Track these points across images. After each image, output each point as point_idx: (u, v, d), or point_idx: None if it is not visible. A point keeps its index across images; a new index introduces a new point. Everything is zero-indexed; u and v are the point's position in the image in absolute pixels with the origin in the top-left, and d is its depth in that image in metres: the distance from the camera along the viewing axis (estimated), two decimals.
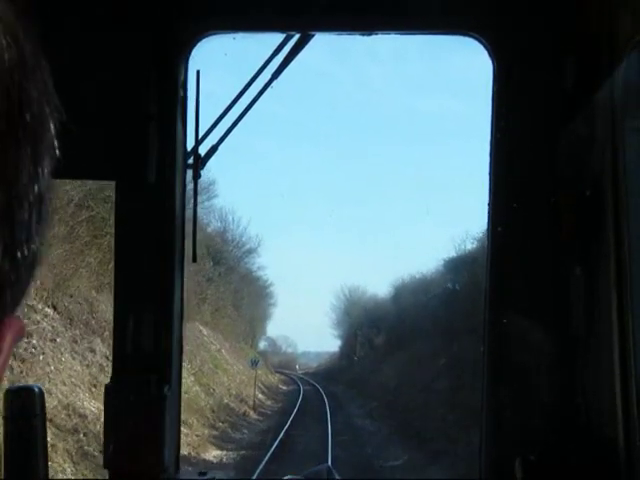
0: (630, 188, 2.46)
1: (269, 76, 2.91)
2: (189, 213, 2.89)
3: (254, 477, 18.91)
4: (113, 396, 2.71)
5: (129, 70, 2.66)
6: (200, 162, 2.88)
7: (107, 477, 2.69)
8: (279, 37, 2.84)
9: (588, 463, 2.55)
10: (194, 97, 2.79)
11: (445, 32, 2.85)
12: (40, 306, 19.12)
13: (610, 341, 2.48)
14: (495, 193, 2.72)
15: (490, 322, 2.70)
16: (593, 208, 2.56)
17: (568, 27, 2.62)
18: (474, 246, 33.37)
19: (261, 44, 2.98)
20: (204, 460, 20.95)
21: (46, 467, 2.35)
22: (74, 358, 19.63)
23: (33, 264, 0.70)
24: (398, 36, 2.90)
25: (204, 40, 2.81)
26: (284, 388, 51.88)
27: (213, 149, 2.94)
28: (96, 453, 15.59)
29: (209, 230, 41.95)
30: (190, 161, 2.87)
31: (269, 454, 22.08)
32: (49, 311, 19.66)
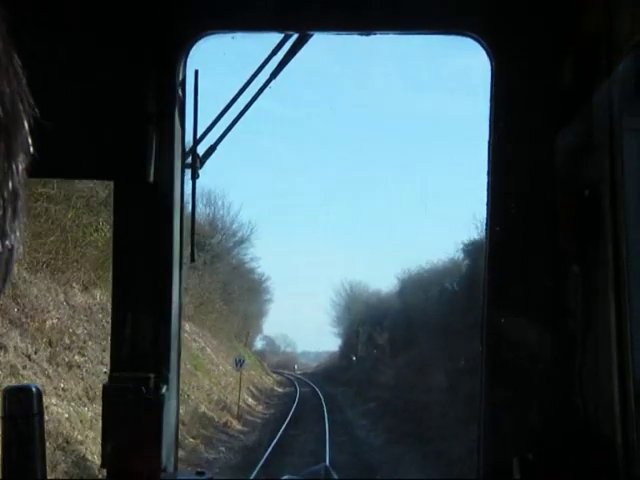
0: (628, 189, 2.46)
1: (268, 75, 2.91)
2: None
3: (252, 477, 18.73)
4: (111, 396, 2.70)
5: (127, 69, 2.66)
6: (199, 161, 2.88)
7: (105, 477, 2.69)
8: (278, 36, 2.84)
9: (586, 463, 2.55)
10: (192, 96, 2.79)
11: (443, 32, 2.85)
12: None
13: (608, 341, 2.48)
14: (493, 193, 2.72)
15: (488, 322, 2.71)
16: (591, 208, 2.56)
17: (566, 28, 2.62)
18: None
19: (260, 43, 2.98)
20: None
21: (44, 467, 2.35)
22: None
23: (9, 260, 0.70)
24: (399, 36, 2.91)
25: (203, 39, 2.80)
26: (279, 390, 48.61)
27: (212, 148, 2.94)
28: None
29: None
30: (188, 160, 2.87)
31: None
32: None
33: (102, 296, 22.28)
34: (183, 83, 2.80)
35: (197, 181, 2.87)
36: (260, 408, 36.40)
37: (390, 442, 25.82)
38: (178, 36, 2.75)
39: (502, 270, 2.73)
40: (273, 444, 24.32)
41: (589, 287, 2.58)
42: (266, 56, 2.87)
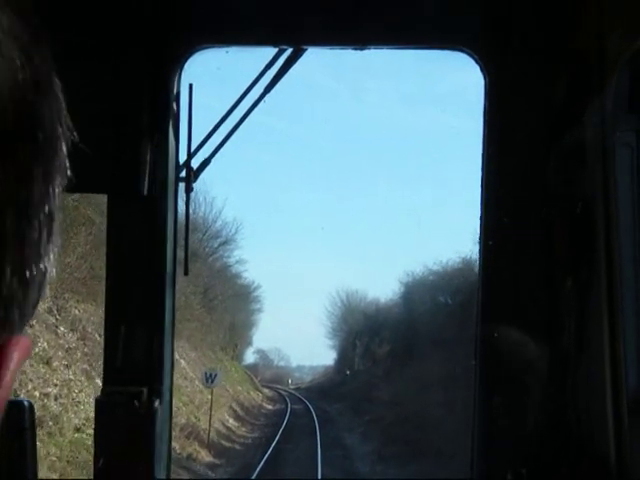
0: (621, 203, 2.47)
1: (262, 89, 2.91)
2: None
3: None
4: (103, 409, 2.69)
5: (122, 83, 2.66)
6: (192, 175, 2.88)
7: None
8: (272, 51, 2.84)
9: (579, 477, 2.55)
10: (187, 110, 2.79)
11: (437, 48, 2.86)
12: None
13: (601, 356, 2.48)
14: (487, 207, 2.73)
15: (482, 336, 2.71)
16: (584, 222, 2.57)
17: (559, 44, 2.63)
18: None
19: (254, 58, 2.98)
20: None
21: None
22: None
23: (42, 283, 0.70)
24: (394, 51, 2.93)
25: (197, 54, 2.81)
26: (269, 407, 42.97)
27: (205, 162, 2.94)
28: None
29: None
30: (182, 174, 2.87)
31: None
32: None
33: None
34: (177, 97, 2.81)
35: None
36: (242, 431, 30.80)
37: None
38: (172, 50, 2.76)
39: (495, 285, 2.73)
40: None
41: (582, 302, 2.58)
42: (260, 70, 2.88)
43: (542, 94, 2.68)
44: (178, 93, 2.81)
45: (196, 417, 26.01)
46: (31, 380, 17.31)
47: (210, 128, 2.93)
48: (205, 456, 23.27)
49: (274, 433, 29.73)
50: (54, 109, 0.70)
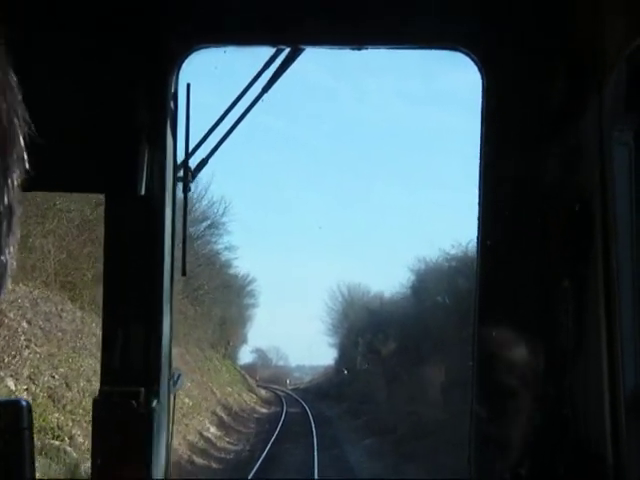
0: (619, 201, 2.47)
1: (260, 89, 2.91)
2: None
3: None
4: (101, 410, 2.69)
5: (120, 83, 2.66)
6: (190, 175, 2.88)
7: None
8: (270, 50, 2.84)
9: (577, 477, 2.55)
10: (184, 110, 2.79)
11: (434, 47, 2.86)
12: None
13: (599, 356, 2.48)
14: (484, 206, 2.73)
15: (479, 336, 2.71)
16: (582, 222, 2.57)
17: (557, 42, 2.64)
18: None
19: (252, 57, 2.98)
20: None
21: None
22: None
23: (2, 275, 0.70)
24: (394, 50, 2.93)
25: (195, 53, 2.81)
26: (262, 411, 38.04)
27: (203, 162, 2.94)
28: None
29: None
30: (180, 174, 2.87)
31: None
32: None
33: None
34: (175, 97, 2.80)
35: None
36: (224, 442, 25.47)
37: None
38: (170, 50, 2.76)
39: (493, 284, 2.73)
40: None
41: (580, 301, 2.58)
42: (258, 70, 2.88)
43: (540, 93, 2.68)
44: (176, 93, 2.81)
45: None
46: None
47: (208, 128, 2.93)
48: None
49: (266, 441, 25.09)
50: (9, 101, 0.70)
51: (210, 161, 2.97)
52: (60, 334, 20.25)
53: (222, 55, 2.90)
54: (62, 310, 21.49)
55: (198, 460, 21.25)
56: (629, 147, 2.49)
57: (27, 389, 16.93)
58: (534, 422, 2.63)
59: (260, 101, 2.92)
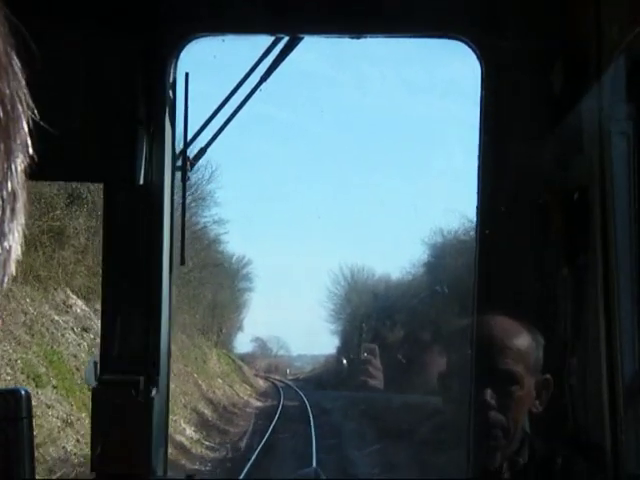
0: (617, 191, 2.47)
1: (259, 78, 2.91)
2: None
3: (240, 478, 17.88)
4: (100, 399, 2.70)
5: (118, 72, 2.66)
6: (189, 164, 2.88)
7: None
8: (268, 39, 2.84)
9: (575, 466, 2.56)
10: (183, 99, 2.79)
11: (433, 36, 2.86)
12: None
13: (597, 345, 2.49)
14: (483, 196, 2.73)
15: (478, 325, 2.71)
16: (580, 211, 2.57)
17: (556, 31, 2.63)
18: None
19: (250, 46, 2.97)
20: None
21: (33, 471, 2.34)
22: None
23: (6, 261, 0.70)
24: (396, 39, 2.93)
25: (193, 42, 2.80)
26: (256, 405, 31.93)
27: (202, 151, 2.94)
28: None
29: None
30: (179, 163, 2.86)
31: None
32: None
33: None
34: (173, 86, 2.80)
35: None
36: (201, 448, 19.97)
37: None
38: (168, 39, 2.75)
39: (491, 273, 2.73)
40: None
41: (578, 290, 2.59)
42: (257, 59, 2.87)
43: (538, 82, 2.68)
44: (174, 82, 2.80)
45: None
46: None
47: (206, 117, 2.93)
48: None
49: (253, 444, 19.97)
50: (13, 87, 0.70)
51: (213, 156, 2.97)
52: None
53: (221, 44, 2.90)
54: None
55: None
56: (628, 136, 2.49)
57: None
58: (533, 410, 2.64)
59: (259, 90, 2.92)
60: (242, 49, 3.19)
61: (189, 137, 2.84)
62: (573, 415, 2.57)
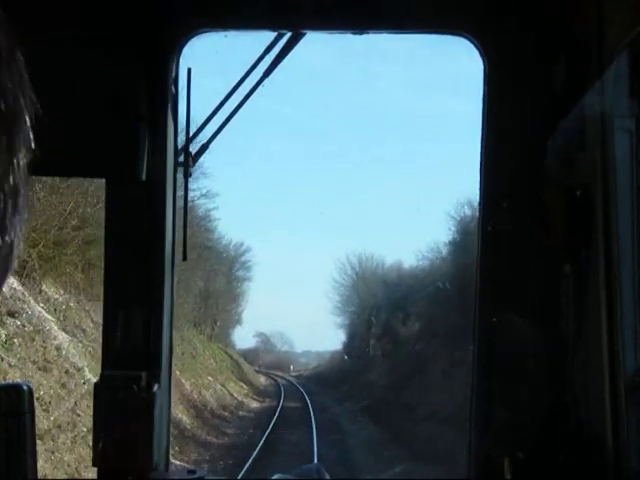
0: (619, 188, 2.47)
1: (261, 74, 2.91)
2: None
3: (241, 476, 17.92)
4: (102, 394, 2.70)
5: (120, 67, 2.66)
6: (191, 160, 2.88)
7: (96, 476, 2.69)
8: (271, 35, 2.84)
9: (577, 462, 2.56)
10: (185, 95, 2.79)
11: (436, 32, 2.85)
12: None
13: (599, 341, 2.49)
14: (485, 193, 2.73)
15: (480, 321, 2.71)
16: (583, 208, 2.57)
17: (558, 28, 2.63)
18: None
19: (253, 42, 2.97)
20: None
21: (35, 465, 2.34)
22: None
23: (8, 256, 0.70)
24: (401, 35, 2.93)
25: (195, 38, 2.80)
26: (252, 406, 30.43)
27: (204, 147, 2.94)
28: None
29: None
30: (181, 159, 2.86)
31: None
32: None
33: None
34: (176, 81, 2.80)
35: None
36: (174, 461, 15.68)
37: None
38: (171, 34, 2.75)
39: (494, 269, 2.73)
40: None
41: (581, 286, 2.58)
42: (259, 54, 2.87)
43: (541, 79, 2.67)
44: (176, 77, 2.80)
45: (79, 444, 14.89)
46: None
47: (209, 113, 2.93)
48: None
49: (242, 457, 17.06)
50: (16, 81, 0.70)
51: (216, 151, 2.97)
52: None
53: (223, 39, 2.90)
54: None
55: None
56: (630, 133, 2.49)
57: None
58: (534, 407, 2.65)
59: (261, 86, 2.92)
60: (245, 45, 3.19)
61: (191, 133, 2.85)
62: (575, 411, 2.57)
